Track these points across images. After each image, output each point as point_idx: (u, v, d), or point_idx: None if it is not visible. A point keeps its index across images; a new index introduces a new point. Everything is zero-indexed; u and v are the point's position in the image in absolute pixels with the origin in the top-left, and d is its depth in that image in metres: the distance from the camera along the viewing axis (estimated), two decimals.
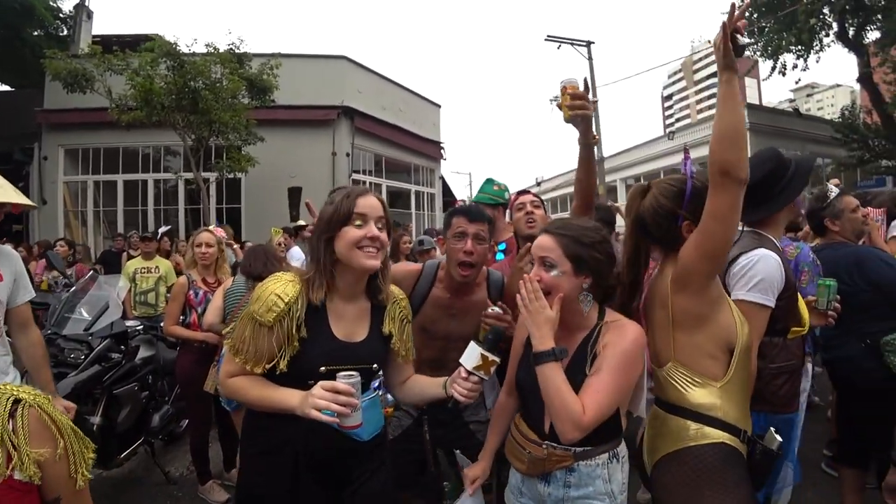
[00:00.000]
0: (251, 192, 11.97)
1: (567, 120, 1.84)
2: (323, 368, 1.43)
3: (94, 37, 12.10)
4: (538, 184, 32.29)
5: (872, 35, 14.33)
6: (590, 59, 18.30)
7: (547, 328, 1.42)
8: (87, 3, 12.97)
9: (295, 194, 10.07)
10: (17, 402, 1.01)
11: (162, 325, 3.96)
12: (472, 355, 1.44)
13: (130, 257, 6.87)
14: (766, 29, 14.39)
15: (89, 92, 8.51)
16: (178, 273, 5.26)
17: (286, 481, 1.45)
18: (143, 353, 3.75)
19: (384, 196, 12.91)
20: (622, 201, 22.20)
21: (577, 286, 1.47)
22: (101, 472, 3.46)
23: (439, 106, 17.01)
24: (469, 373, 1.43)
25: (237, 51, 9.02)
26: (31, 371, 2.22)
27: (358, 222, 1.45)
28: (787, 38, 13.62)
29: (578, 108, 1.79)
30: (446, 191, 18.19)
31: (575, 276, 1.46)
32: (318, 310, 1.47)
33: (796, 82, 16.40)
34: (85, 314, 3.54)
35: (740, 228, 2.69)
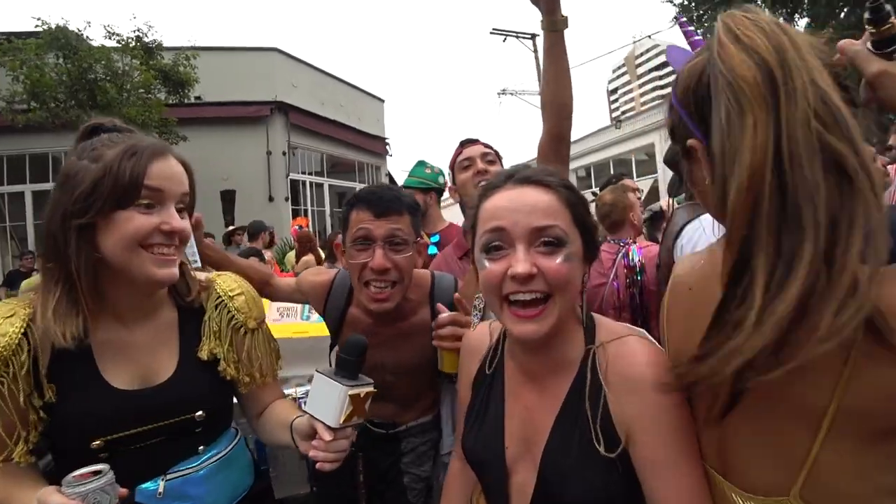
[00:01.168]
0: None
1: None
2: (97, 443, 0.92)
3: None
4: None
5: (802, 22, 14.83)
6: (535, 51, 18.34)
7: None
8: None
9: (228, 198, 9.60)
10: None
11: None
12: (331, 400, 0.91)
13: None
14: (704, 18, 14.67)
15: None
16: None
17: None
18: None
19: (327, 197, 12.34)
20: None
21: (581, 281, 0.90)
22: None
23: (382, 101, 16.44)
24: (336, 430, 0.92)
25: (145, 38, 8.11)
26: None
27: (146, 202, 0.93)
28: None
29: None
30: None
31: (583, 261, 0.89)
32: (74, 350, 0.92)
33: None
34: None
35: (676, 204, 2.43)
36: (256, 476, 1.19)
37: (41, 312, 0.91)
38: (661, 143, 18.44)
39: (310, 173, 13.32)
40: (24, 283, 5.22)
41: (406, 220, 1.37)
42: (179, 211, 0.99)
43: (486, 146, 1.94)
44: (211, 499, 1.03)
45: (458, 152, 1.96)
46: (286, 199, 11.86)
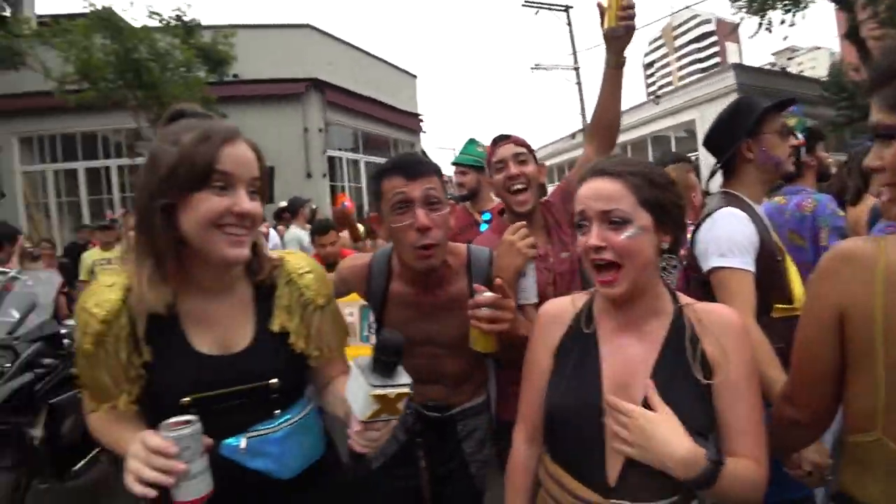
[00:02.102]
0: None
1: (609, 29, 1.61)
2: (185, 399, 1.01)
3: (39, 17, 11.29)
4: None
5: None
6: (569, 24, 17.86)
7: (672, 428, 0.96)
8: None
9: (268, 175, 9.75)
10: None
11: None
12: (357, 395, 0.92)
13: None
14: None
15: (27, 71, 7.76)
16: None
17: None
18: None
19: (363, 174, 12.48)
20: None
21: (657, 249, 1.07)
22: (61, 486, 3.07)
23: (415, 77, 16.38)
24: (365, 423, 0.93)
25: (184, 17, 8.29)
26: None
27: (220, 184, 0.98)
28: None
29: (628, 17, 1.59)
30: None
31: (655, 232, 1.05)
32: (165, 317, 1.02)
33: (784, 38, 15.79)
34: (14, 314, 3.16)
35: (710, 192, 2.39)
36: (328, 445, 1.27)
37: (136, 282, 1.00)
38: (702, 120, 17.85)
39: (345, 150, 13.46)
40: (87, 255, 5.48)
41: (436, 181, 1.41)
42: (251, 195, 1.03)
43: (518, 143, 1.91)
44: (287, 458, 1.11)
45: (492, 152, 1.95)
46: (324, 176, 12.06)
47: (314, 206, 6.47)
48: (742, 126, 1.65)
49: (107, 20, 7.34)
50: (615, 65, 1.68)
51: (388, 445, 1.64)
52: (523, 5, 18.06)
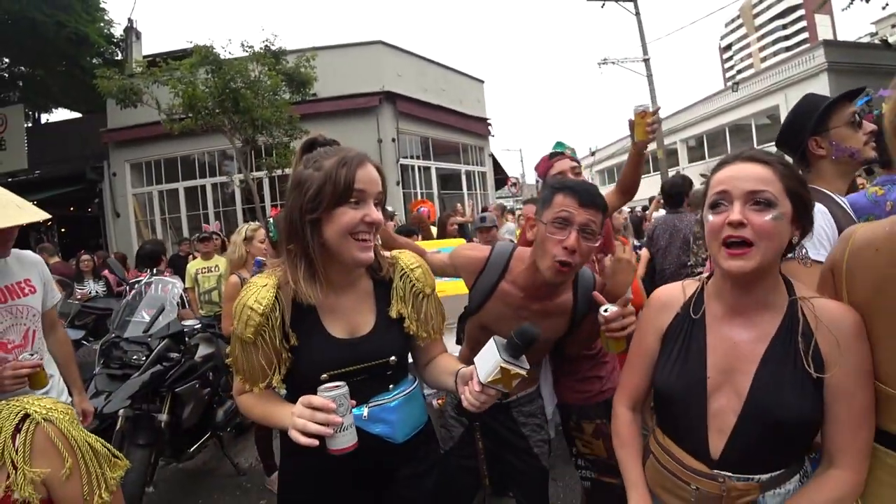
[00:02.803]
0: None
1: (639, 140, 2.04)
2: (325, 375, 1.21)
3: (145, 56, 12.66)
4: (592, 153, 31.16)
5: None
6: (637, 14, 17.26)
7: None
8: (135, 26, 13.58)
9: None
10: (25, 416, 0.94)
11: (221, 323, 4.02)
12: (488, 362, 1.11)
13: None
14: None
15: (141, 106, 8.81)
16: None
17: (320, 483, 1.28)
18: (202, 350, 3.82)
19: (434, 180, 12.82)
20: (684, 164, 20.96)
21: (789, 240, 1.11)
22: (177, 465, 3.62)
23: (482, 81, 16.56)
24: (483, 385, 1.12)
25: (272, 47, 9.02)
26: (61, 368, 2.26)
27: (355, 200, 1.18)
28: None
29: (653, 131, 2.02)
30: (497, 168, 17.83)
31: (792, 223, 1.09)
32: (306, 309, 1.25)
33: (883, 7, 13.61)
34: (145, 316, 3.63)
35: None
36: (428, 416, 1.44)
37: (293, 280, 1.22)
38: (787, 105, 16.63)
39: (416, 157, 13.91)
40: (190, 265, 5.95)
41: (600, 217, 1.53)
42: (375, 205, 1.22)
43: (573, 159, 2.25)
44: (400, 424, 1.29)
45: (550, 164, 2.22)
46: (397, 184, 12.54)
47: (395, 214, 6.75)
48: (806, 125, 1.66)
49: (209, 56, 8.19)
50: (638, 153, 2.13)
51: (455, 429, 1.87)
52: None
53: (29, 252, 2.19)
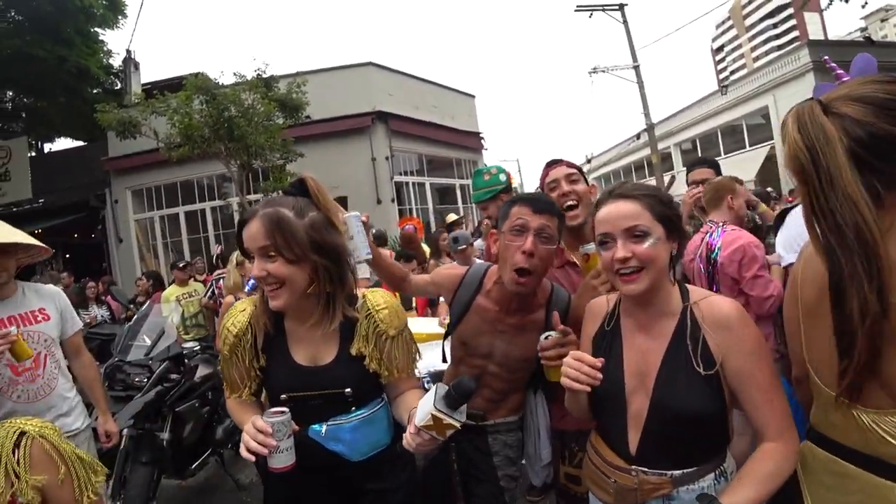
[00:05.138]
0: None
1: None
2: (284, 396, 1.38)
3: (143, 85, 12.99)
4: (588, 160, 31.18)
5: None
6: (625, 22, 17.50)
7: None
8: (133, 57, 13.96)
9: (341, 204, 10.26)
10: (22, 434, 1.11)
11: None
12: (423, 407, 1.20)
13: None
14: None
15: (140, 136, 9.13)
16: None
17: (296, 489, 1.43)
18: (201, 371, 3.98)
19: (429, 195, 12.91)
20: (678, 168, 20.79)
21: (669, 256, 1.26)
22: (179, 483, 3.74)
23: (473, 96, 16.81)
24: (418, 429, 1.20)
25: (264, 75, 9.32)
26: (87, 390, 2.44)
27: (250, 256, 1.33)
28: None
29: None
30: None
31: (668, 241, 1.25)
32: (276, 335, 1.42)
33: (863, 6, 12.41)
34: (146, 340, 3.82)
35: None
36: (394, 438, 1.49)
37: (258, 310, 1.42)
38: (777, 105, 16.70)
39: (411, 173, 14.11)
40: (166, 293, 5.98)
41: (555, 222, 1.61)
42: (271, 258, 1.28)
43: (570, 165, 2.06)
44: (356, 444, 1.40)
45: (546, 174, 2.08)
46: (392, 201, 12.75)
47: (384, 234, 6.85)
48: None
49: (203, 87, 8.52)
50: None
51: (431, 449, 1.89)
52: (576, 10, 17.92)
53: (49, 286, 2.41)
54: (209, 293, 5.71)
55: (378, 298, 1.47)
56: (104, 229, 13.36)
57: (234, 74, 9.17)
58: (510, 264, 1.58)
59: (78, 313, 2.54)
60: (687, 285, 1.32)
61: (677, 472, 1.19)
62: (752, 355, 1.17)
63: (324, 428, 1.39)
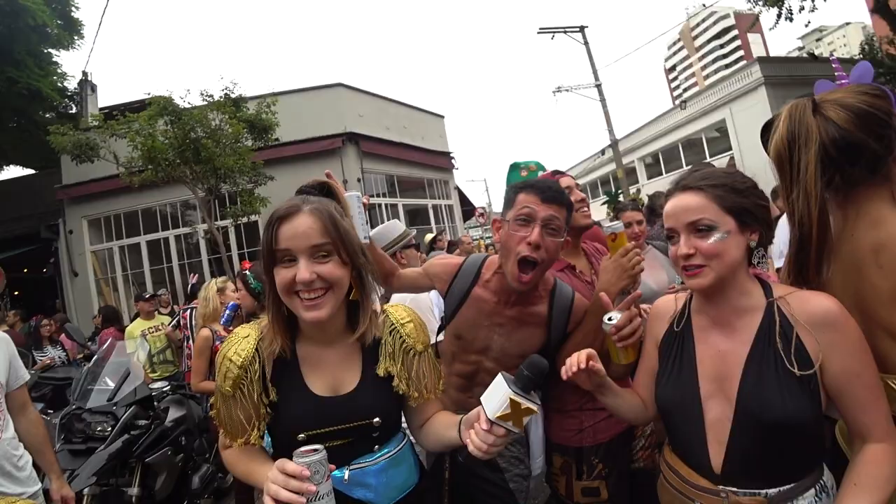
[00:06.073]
0: None
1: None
2: (302, 436, 1.14)
3: (101, 108, 12.41)
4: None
5: None
6: (585, 43, 18.03)
7: None
8: (90, 78, 13.34)
9: None
10: None
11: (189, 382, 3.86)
12: (495, 396, 1.02)
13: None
14: None
15: (98, 160, 8.58)
16: None
17: None
18: (173, 414, 3.66)
19: (402, 217, 12.77)
20: (643, 181, 21.59)
21: (745, 247, 1.14)
22: None
23: (443, 116, 16.86)
24: (491, 423, 1.02)
25: (232, 95, 8.96)
26: (34, 453, 2.10)
27: (286, 259, 1.11)
28: None
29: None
30: (464, 200, 17.99)
31: (741, 233, 1.14)
32: (289, 363, 1.19)
33: (806, 25, 16.22)
34: (109, 383, 3.45)
35: None
36: (421, 476, 1.35)
37: (267, 332, 1.19)
38: (734, 117, 17.47)
39: (382, 195, 13.90)
40: (131, 327, 5.65)
41: (564, 213, 1.52)
42: (323, 258, 1.12)
43: (570, 177, 2.21)
44: (384, 488, 1.21)
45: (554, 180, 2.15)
46: (365, 223, 12.45)
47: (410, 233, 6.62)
48: None
49: (168, 107, 8.08)
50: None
51: (427, 456, 1.71)
52: (539, 32, 18.38)
53: None
54: (174, 322, 5.34)
55: (401, 312, 1.33)
56: (57, 262, 12.53)
57: (202, 94, 8.74)
58: (513, 254, 1.48)
59: (32, 356, 2.20)
60: (770, 282, 1.21)
61: (773, 491, 1.06)
62: (860, 352, 1.05)
63: (346, 473, 1.18)
